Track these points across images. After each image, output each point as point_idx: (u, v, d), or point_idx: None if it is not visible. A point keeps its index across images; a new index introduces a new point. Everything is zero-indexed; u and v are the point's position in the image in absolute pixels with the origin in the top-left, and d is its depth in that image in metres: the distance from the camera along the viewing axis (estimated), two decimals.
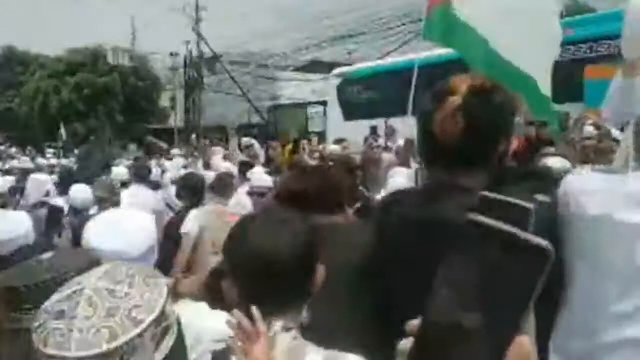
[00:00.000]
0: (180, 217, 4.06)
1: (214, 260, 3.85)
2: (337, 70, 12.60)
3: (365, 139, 7.19)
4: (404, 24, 19.67)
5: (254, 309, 1.02)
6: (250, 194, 4.50)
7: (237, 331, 1.01)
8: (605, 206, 1.32)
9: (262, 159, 7.48)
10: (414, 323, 0.59)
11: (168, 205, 5.30)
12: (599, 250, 1.34)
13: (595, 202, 1.34)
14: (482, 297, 0.55)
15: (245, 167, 5.52)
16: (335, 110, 11.72)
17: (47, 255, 1.03)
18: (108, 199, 4.10)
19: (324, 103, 16.89)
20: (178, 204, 4.74)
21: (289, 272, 1.08)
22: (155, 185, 5.73)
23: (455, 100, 1.14)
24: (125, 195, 4.63)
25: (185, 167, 7.34)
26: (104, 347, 0.77)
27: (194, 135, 13.26)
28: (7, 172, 7.89)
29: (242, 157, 7.31)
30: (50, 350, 0.77)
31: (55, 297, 0.84)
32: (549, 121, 4.23)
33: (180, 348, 0.84)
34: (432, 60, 6.19)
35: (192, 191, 4.25)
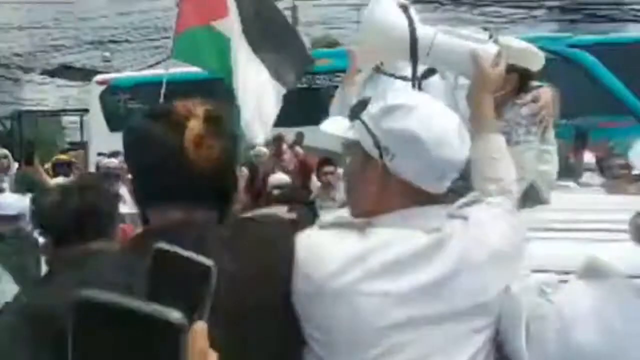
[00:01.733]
0: None
1: None
2: (100, 77, 11.82)
3: None
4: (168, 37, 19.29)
5: None
6: None
7: None
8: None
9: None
10: None
11: None
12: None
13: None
14: None
15: None
16: (98, 121, 10.84)
17: None
18: None
19: (81, 112, 15.45)
20: None
21: None
22: None
23: (197, 125, 1.03)
24: None
25: None
26: None
27: None
28: None
29: None
30: None
31: None
32: None
33: None
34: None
35: None
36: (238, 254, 1.02)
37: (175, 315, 0.46)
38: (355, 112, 1.21)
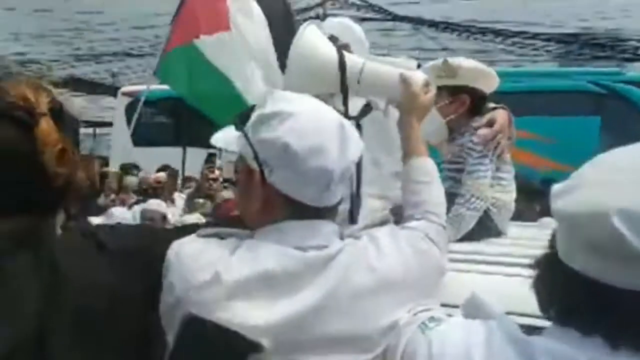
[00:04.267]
0: None
1: None
2: (126, 89, 10.42)
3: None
4: None
5: None
6: None
7: None
8: None
9: None
10: None
11: None
12: None
13: None
14: None
15: None
16: (122, 134, 9.73)
17: None
18: None
19: (94, 124, 12.54)
20: None
21: None
22: None
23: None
24: None
25: None
26: None
27: None
28: None
29: None
30: None
31: None
32: None
33: None
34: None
35: None
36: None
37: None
38: (239, 123, 1.10)
